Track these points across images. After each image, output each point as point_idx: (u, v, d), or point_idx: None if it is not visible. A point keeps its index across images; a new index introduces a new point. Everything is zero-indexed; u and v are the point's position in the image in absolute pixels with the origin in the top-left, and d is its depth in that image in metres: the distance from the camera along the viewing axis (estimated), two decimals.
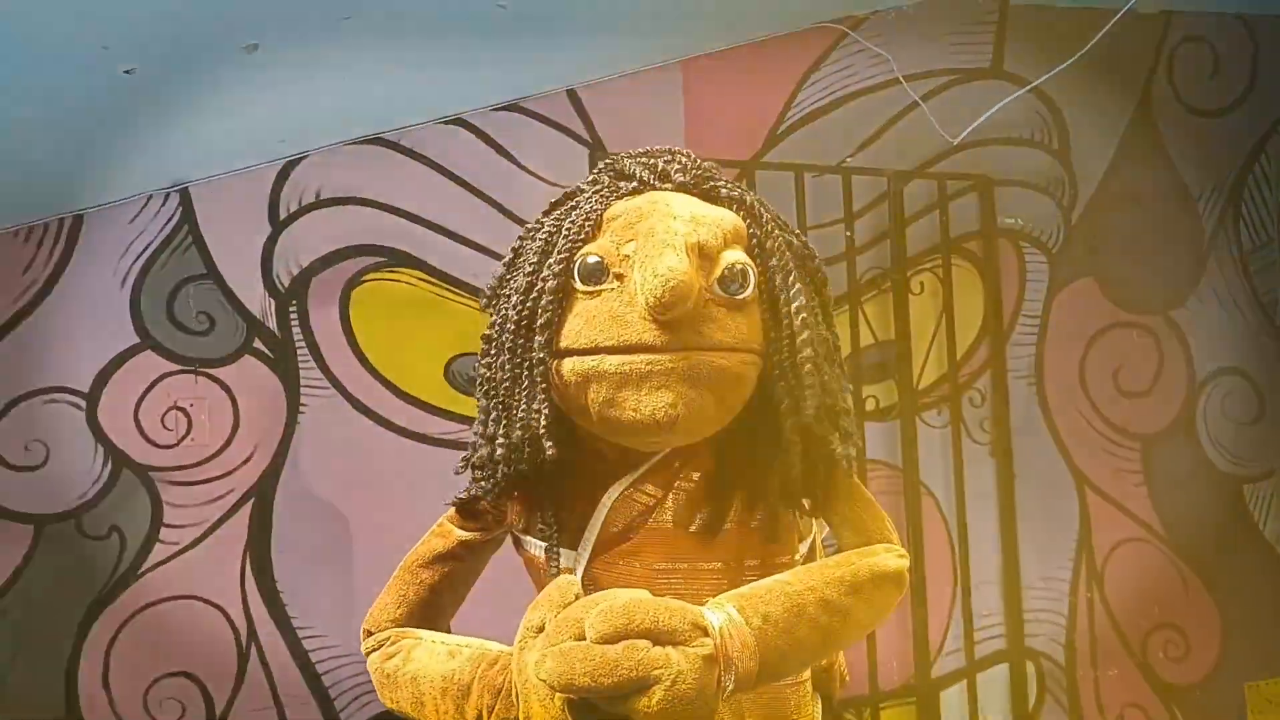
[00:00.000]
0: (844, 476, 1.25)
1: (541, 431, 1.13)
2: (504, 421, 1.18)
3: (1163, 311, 3.14)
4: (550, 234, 1.18)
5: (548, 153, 2.70)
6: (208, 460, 2.52)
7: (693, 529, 1.20)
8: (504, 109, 2.71)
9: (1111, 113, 3.14)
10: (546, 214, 1.24)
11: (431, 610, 1.30)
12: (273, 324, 2.58)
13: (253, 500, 2.53)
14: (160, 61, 2.05)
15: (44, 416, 2.48)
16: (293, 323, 2.59)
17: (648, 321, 1.08)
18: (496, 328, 1.20)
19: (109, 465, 2.49)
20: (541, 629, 1.04)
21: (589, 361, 1.11)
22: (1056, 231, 3.03)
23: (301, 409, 2.57)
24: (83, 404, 2.49)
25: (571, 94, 2.74)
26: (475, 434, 1.24)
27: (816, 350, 1.16)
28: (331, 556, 2.53)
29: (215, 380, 2.55)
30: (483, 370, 1.22)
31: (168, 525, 2.49)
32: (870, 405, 2.79)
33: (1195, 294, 3.17)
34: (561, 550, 1.22)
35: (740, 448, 1.21)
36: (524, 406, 1.15)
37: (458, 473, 1.28)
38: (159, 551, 2.49)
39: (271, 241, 2.60)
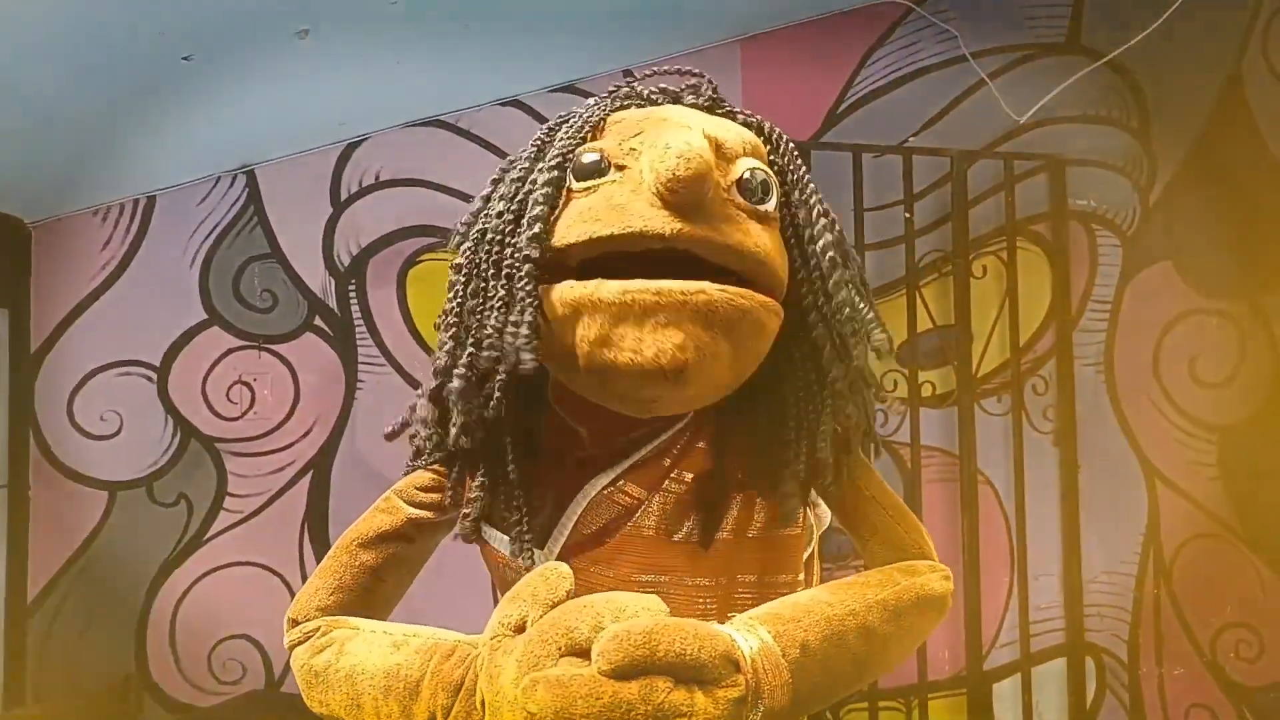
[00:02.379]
0: (866, 467, 1.13)
1: (521, 342, 0.92)
2: (469, 344, 0.97)
3: (1248, 298, 2.99)
4: (542, 141, 1.02)
5: None
6: (270, 433, 2.62)
7: (678, 538, 1.02)
8: (560, 90, 2.72)
9: (1197, 87, 2.98)
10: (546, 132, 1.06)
11: (371, 597, 1.09)
12: (333, 302, 2.66)
13: (312, 472, 2.62)
14: (215, 48, 2.12)
15: (118, 388, 2.61)
16: (352, 301, 2.66)
17: (658, 207, 0.89)
18: (470, 248, 1.00)
19: (178, 436, 2.61)
20: (521, 627, 0.87)
21: (582, 288, 0.91)
22: (1132, 213, 2.90)
23: (359, 385, 2.64)
24: (154, 377, 2.62)
25: (628, 74, 2.73)
26: (429, 376, 1.06)
27: (852, 290, 1.01)
28: None
29: (277, 356, 2.64)
30: (448, 299, 1.02)
31: (231, 494, 2.60)
32: (927, 391, 2.73)
33: None
34: (526, 546, 1.03)
35: (746, 442, 1.04)
36: (498, 316, 0.94)
37: (390, 436, 1.17)
38: (223, 519, 2.61)
39: (333, 222, 2.68)
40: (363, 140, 2.68)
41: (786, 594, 1.05)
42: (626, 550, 1.02)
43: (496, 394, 0.96)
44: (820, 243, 1.00)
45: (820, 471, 1.04)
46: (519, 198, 0.97)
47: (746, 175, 0.96)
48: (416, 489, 1.14)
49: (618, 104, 1.05)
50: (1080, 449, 2.78)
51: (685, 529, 1.03)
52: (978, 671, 2.65)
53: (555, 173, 0.96)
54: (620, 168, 0.94)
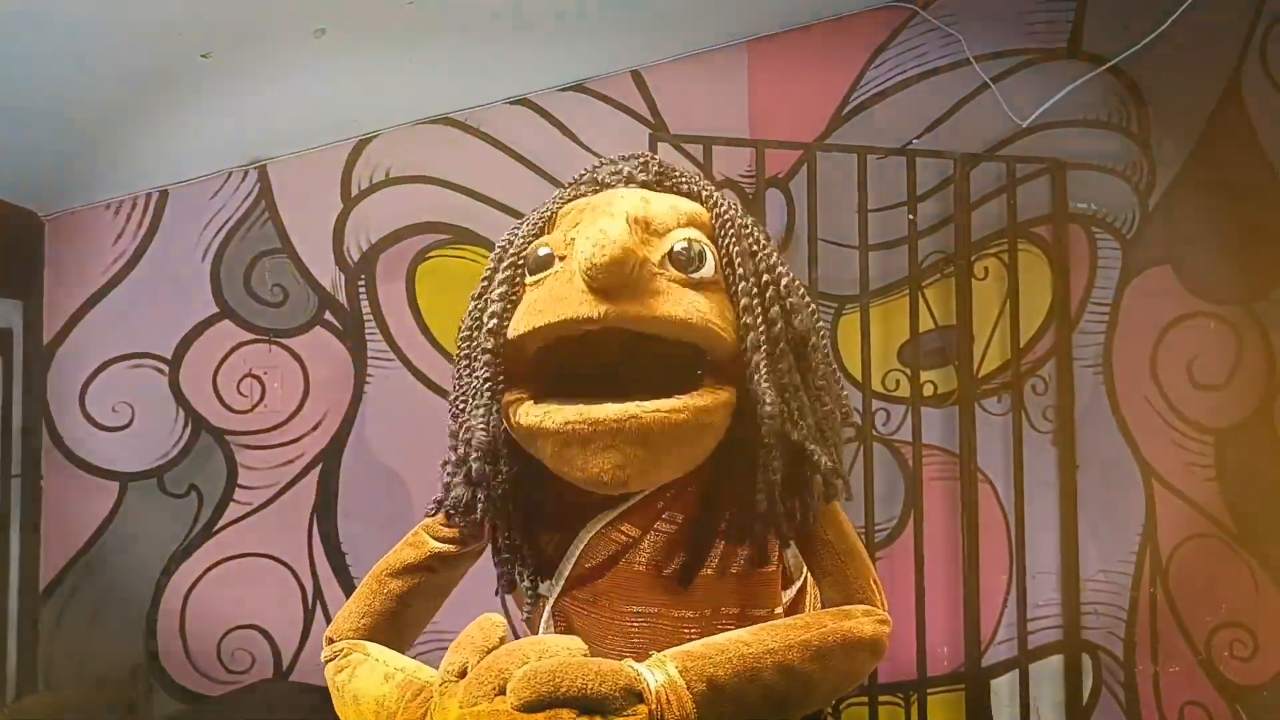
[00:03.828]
0: (829, 512, 1.17)
1: (478, 437, 1.08)
2: (464, 446, 1.12)
3: (1244, 302, 3.02)
4: (505, 243, 1.16)
5: (611, 133, 2.73)
6: (279, 426, 2.65)
7: (666, 573, 1.12)
8: (569, 89, 2.75)
9: (1197, 94, 3.02)
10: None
11: (399, 622, 1.22)
12: (342, 297, 2.69)
13: (320, 465, 2.65)
14: (233, 46, 2.14)
15: (130, 380, 2.63)
16: (361, 296, 2.69)
17: (586, 293, 0.99)
18: (459, 345, 1.18)
19: (189, 427, 2.64)
20: (463, 673, 0.96)
21: (533, 417, 1.04)
22: (1131, 217, 2.94)
23: (368, 379, 2.67)
24: (165, 369, 2.64)
25: (636, 75, 2.77)
26: (447, 460, 1.19)
27: (792, 343, 1.08)
28: (393, 520, 2.61)
29: (288, 350, 2.67)
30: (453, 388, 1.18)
31: (241, 486, 2.63)
32: (928, 390, 2.77)
33: None
34: (537, 579, 1.17)
35: (733, 487, 1.12)
36: (480, 421, 1.09)
37: (431, 511, 1.24)
38: (233, 510, 2.63)
39: (343, 217, 2.71)
40: (374, 137, 2.71)
41: None
42: (619, 585, 1.12)
43: (501, 473, 1.11)
44: (768, 294, 1.08)
45: (788, 518, 1.11)
46: (482, 296, 1.12)
47: (678, 248, 1.06)
48: (442, 525, 1.24)
49: (573, 194, 1.17)
50: (1079, 449, 2.82)
51: (673, 566, 1.12)
52: (976, 667, 2.69)
53: (509, 272, 1.10)
54: (562, 258, 1.06)
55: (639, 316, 0.99)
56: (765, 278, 1.09)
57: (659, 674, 0.95)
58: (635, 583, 1.12)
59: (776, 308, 1.08)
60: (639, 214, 1.06)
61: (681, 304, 1.02)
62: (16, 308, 2.60)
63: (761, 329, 1.07)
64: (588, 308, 0.98)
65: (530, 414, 1.04)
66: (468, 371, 1.12)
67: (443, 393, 2.67)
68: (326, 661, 1.18)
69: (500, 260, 1.14)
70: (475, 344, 1.11)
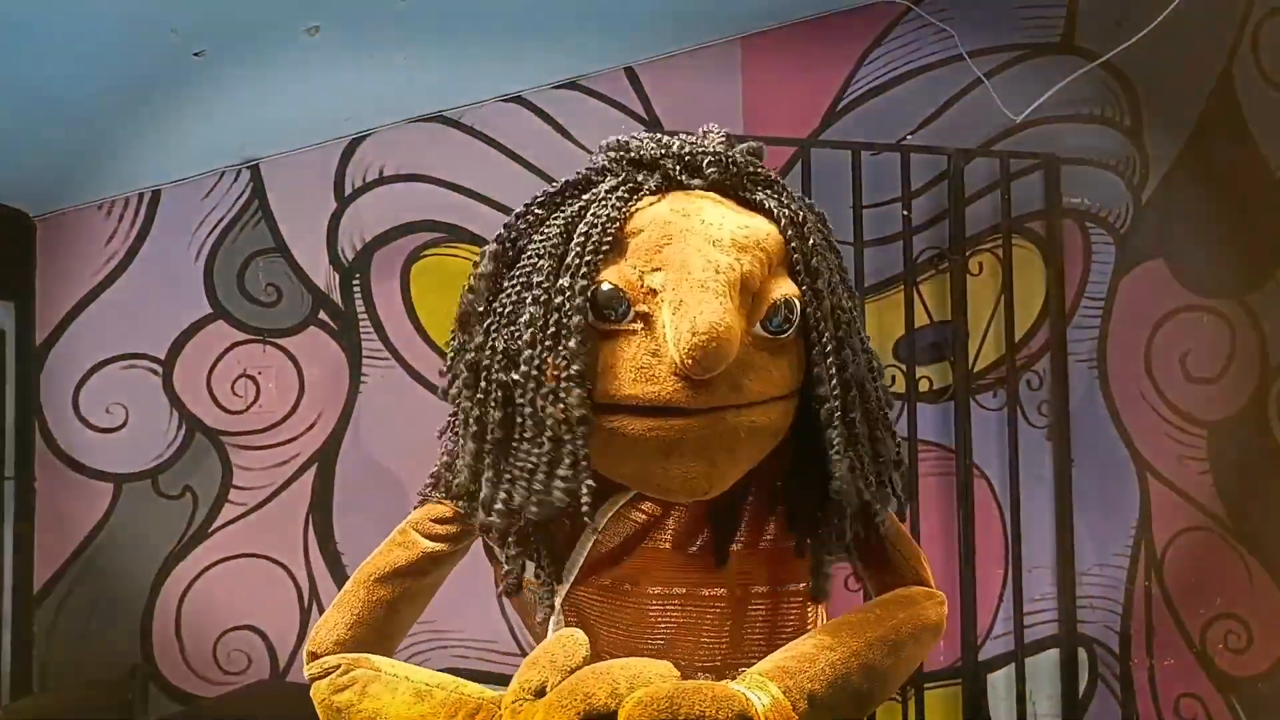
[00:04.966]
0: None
1: (583, 505, 0.91)
2: (521, 480, 0.94)
3: (1237, 295, 3.03)
4: (556, 244, 0.95)
5: (605, 130, 2.67)
6: (274, 426, 2.65)
7: (693, 551, 1.05)
8: (563, 87, 2.75)
9: (1189, 88, 3.03)
10: (545, 206, 1.01)
11: (387, 628, 1.12)
12: (337, 296, 2.68)
13: (316, 465, 2.65)
14: (227, 44, 2.13)
15: (123, 381, 2.63)
16: (356, 296, 2.69)
17: (679, 379, 0.89)
18: (491, 351, 0.96)
19: (183, 428, 2.63)
20: (541, 692, 0.88)
21: (608, 422, 0.92)
22: (1125, 211, 2.95)
23: (363, 379, 2.67)
24: (159, 370, 2.64)
25: (629, 72, 2.76)
26: (465, 475, 1.01)
27: (863, 390, 1.01)
28: (389, 520, 2.56)
29: (282, 350, 2.66)
30: (465, 401, 0.99)
31: (236, 487, 2.63)
32: (924, 386, 2.77)
33: (1273, 278, 3.05)
34: (546, 569, 1.05)
35: (764, 466, 1.03)
36: (553, 469, 0.91)
37: (425, 493, 1.14)
38: (228, 511, 2.63)
39: (337, 217, 2.70)
40: (367, 136, 2.70)
41: (797, 603, 1.10)
42: (644, 566, 1.05)
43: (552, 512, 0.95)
44: (839, 338, 0.99)
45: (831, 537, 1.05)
46: (550, 333, 0.92)
47: (771, 309, 0.94)
48: (432, 521, 1.14)
49: (632, 197, 0.98)
50: (1074, 443, 2.82)
51: (699, 542, 1.06)
52: (972, 662, 2.69)
53: (578, 317, 0.90)
54: (643, 316, 0.92)
55: (733, 404, 0.91)
56: (840, 322, 1.00)
57: (763, 696, 0.90)
58: (660, 563, 1.05)
59: (847, 351, 1.00)
60: (736, 275, 0.91)
61: (771, 381, 0.94)
62: (9, 309, 2.59)
63: (834, 382, 0.98)
64: (683, 396, 0.89)
65: (602, 420, 0.92)
66: (534, 426, 0.93)
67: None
68: (314, 679, 1.06)
69: (553, 276, 0.94)
70: (543, 397, 0.92)
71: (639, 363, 0.90)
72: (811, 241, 0.99)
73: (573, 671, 0.88)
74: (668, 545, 1.05)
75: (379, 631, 1.11)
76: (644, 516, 1.05)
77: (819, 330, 0.97)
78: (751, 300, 0.94)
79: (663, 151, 1.02)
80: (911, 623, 1.06)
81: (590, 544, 1.05)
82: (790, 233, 0.99)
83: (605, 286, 0.92)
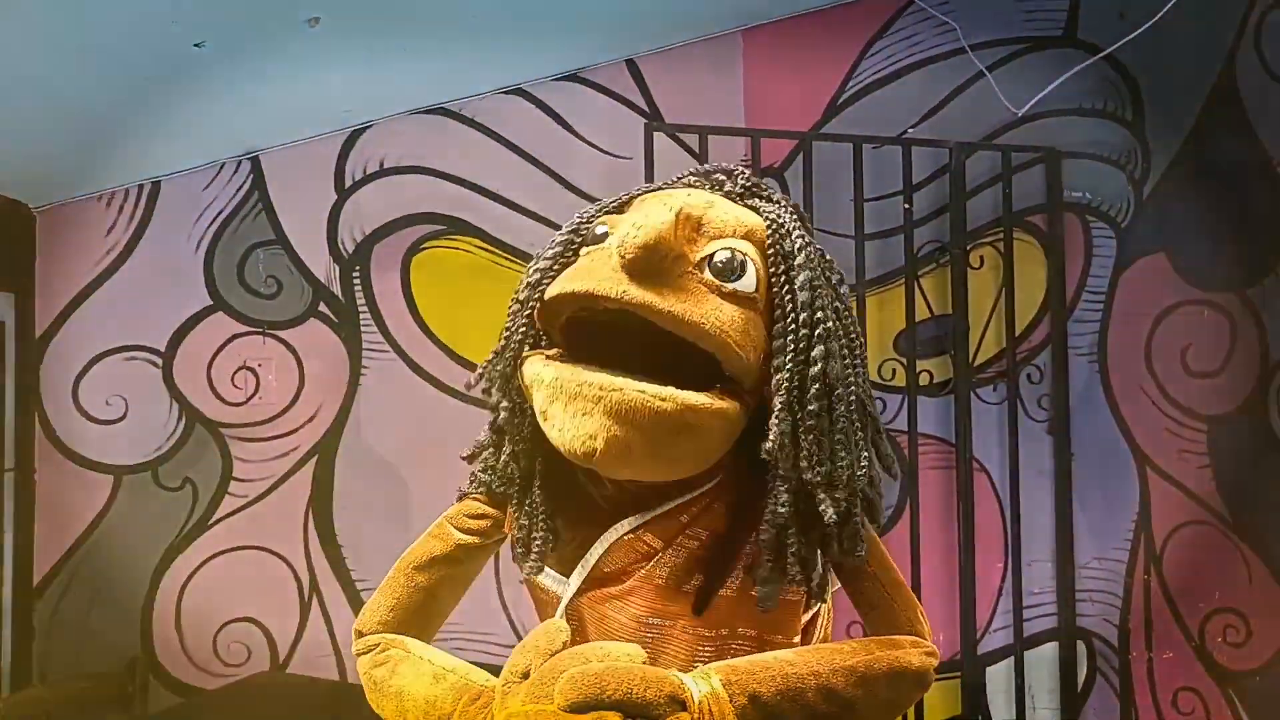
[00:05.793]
0: (871, 545, 1.15)
1: (501, 380, 1.13)
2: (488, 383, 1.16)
3: (1238, 289, 3.03)
4: (581, 216, 1.17)
5: (606, 123, 2.72)
6: (274, 418, 2.64)
7: (686, 589, 1.10)
8: (564, 79, 2.74)
9: (1191, 82, 3.02)
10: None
11: (425, 613, 1.24)
12: (337, 289, 2.68)
13: (316, 457, 2.64)
14: (227, 36, 2.12)
15: (123, 373, 2.62)
16: (356, 288, 2.68)
17: (616, 272, 0.98)
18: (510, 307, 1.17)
19: (183, 420, 2.63)
20: (526, 675, 0.98)
21: (535, 366, 1.05)
22: (1126, 205, 2.94)
23: (363, 371, 2.66)
24: (159, 362, 2.63)
25: (631, 64, 2.76)
26: (484, 437, 1.22)
27: (832, 388, 1.04)
28: (389, 512, 2.63)
29: (282, 342, 2.66)
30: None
31: (236, 479, 2.63)
32: (924, 379, 2.77)
33: (1274, 273, 3.05)
34: (554, 574, 1.16)
35: (758, 511, 1.08)
36: (505, 364, 1.13)
37: (463, 490, 1.26)
38: (228, 503, 2.63)
39: (337, 208, 2.69)
40: (367, 127, 2.69)
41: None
42: (639, 593, 1.11)
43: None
44: (817, 331, 1.04)
45: (825, 544, 1.10)
46: (541, 263, 1.12)
47: (720, 255, 1.03)
48: (466, 516, 1.25)
49: (659, 186, 1.19)
50: (1074, 437, 2.82)
51: (693, 582, 1.11)
52: (972, 655, 2.69)
53: (566, 237, 1.12)
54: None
55: (655, 306, 0.97)
56: (818, 315, 1.04)
57: (703, 685, 0.97)
58: (653, 594, 1.10)
59: (820, 348, 1.04)
60: (693, 212, 1.05)
61: (702, 308, 1.00)
62: (8, 300, 2.58)
63: (790, 363, 1.03)
64: (609, 285, 0.97)
65: (533, 364, 1.05)
66: (509, 323, 1.14)
67: (438, 384, 2.66)
68: (360, 654, 1.21)
69: (572, 234, 1.15)
70: (514, 297, 1.14)
71: (592, 266, 1.02)
72: (795, 238, 1.08)
73: (553, 655, 0.99)
74: (662, 581, 1.10)
75: (419, 614, 1.23)
76: (645, 547, 1.11)
77: (784, 309, 1.04)
78: (708, 244, 1.05)
79: (698, 172, 1.23)
80: (888, 662, 1.09)
81: (596, 558, 1.13)
82: (774, 227, 1.09)
83: (599, 228, 1.10)
